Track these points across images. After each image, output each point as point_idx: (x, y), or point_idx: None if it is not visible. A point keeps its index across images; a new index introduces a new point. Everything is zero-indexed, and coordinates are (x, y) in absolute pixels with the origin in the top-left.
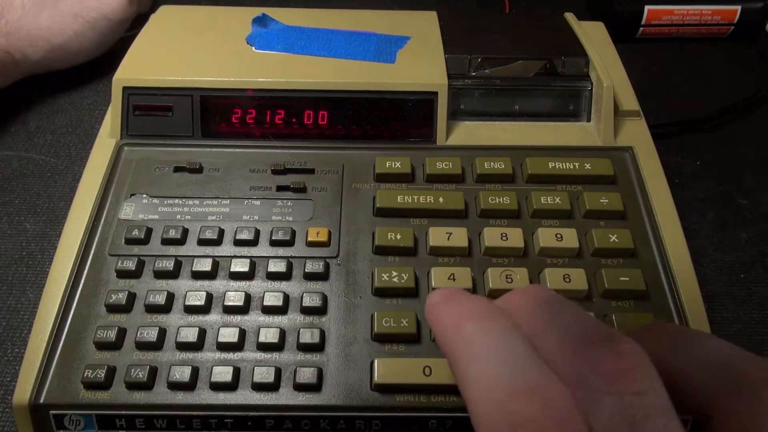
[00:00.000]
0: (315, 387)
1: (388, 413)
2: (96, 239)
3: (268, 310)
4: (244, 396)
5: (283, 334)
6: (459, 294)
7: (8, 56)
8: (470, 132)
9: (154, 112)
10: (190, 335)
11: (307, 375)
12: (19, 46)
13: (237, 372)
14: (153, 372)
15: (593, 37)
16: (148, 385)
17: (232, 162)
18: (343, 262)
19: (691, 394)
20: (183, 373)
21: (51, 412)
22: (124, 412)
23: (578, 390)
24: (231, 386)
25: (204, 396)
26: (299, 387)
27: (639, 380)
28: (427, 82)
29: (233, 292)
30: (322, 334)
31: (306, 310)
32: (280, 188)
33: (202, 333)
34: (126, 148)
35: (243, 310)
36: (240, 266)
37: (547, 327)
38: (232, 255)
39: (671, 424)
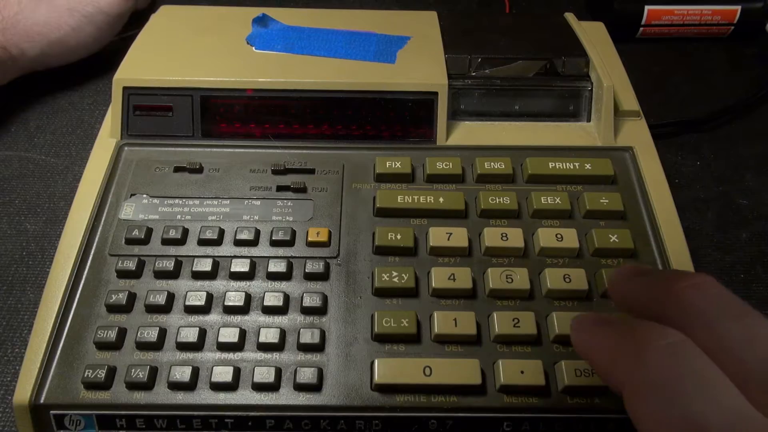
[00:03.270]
0: (315, 387)
1: (388, 413)
2: (96, 239)
3: (269, 310)
4: (245, 396)
5: (283, 334)
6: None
7: (5, 52)
8: (470, 132)
9: (154, 112)
10: (190, 335)
11: (307, 375)
12: (15, 42)
13: (237, 372)
14: (153, 372)
15: (593, 37)
16: (148, 385)
17: (232, 162)
18: (343, 262)
19: None
20: (183, 373)
21: (51, 412)
22: (124, 412)
23: None
24: (231, 386)
25: (204, 396)
26: (299, 387)
27: None
28: (427, 82)
29: (233, 292)
30: (323, 334)
31: (306, 310)
32: (280, 188)
33: (203, 333)
34: (126, 148)
35: (243, 310)
36: (240, 266)
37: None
38: (232, 255)
39: None
